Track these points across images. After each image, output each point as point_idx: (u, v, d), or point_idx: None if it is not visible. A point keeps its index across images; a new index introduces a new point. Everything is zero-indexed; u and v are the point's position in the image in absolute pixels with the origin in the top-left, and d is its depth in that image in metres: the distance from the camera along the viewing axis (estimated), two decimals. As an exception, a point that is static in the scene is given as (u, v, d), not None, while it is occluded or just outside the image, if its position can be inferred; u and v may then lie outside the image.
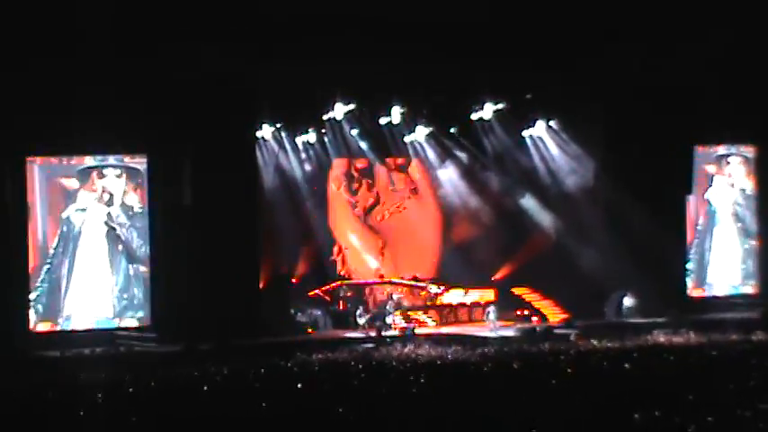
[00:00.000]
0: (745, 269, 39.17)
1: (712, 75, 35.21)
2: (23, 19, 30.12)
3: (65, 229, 31.97)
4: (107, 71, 30.58)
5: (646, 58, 34.55)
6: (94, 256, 32.33)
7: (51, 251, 31.77)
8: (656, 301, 34.81)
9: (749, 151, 39.22)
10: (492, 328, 34.22)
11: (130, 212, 32.60)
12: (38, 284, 31.62)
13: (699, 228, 38.63)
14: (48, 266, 31.75)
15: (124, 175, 32.53)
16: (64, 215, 31.97)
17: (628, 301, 35.89)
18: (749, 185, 39.23)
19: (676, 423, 15.49)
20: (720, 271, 38.91)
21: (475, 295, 37.42)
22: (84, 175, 32.30)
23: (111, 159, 32.45)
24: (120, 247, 32.45)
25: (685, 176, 37.35)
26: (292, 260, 37.66)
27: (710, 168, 38.80)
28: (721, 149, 39.03)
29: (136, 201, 32.61)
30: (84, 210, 32.20)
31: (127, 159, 32.62)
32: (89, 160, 32.30)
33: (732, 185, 39.13)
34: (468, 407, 17.91)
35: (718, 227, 39.00)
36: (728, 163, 39.12)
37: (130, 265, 32.53)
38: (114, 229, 32.44)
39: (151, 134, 31.93)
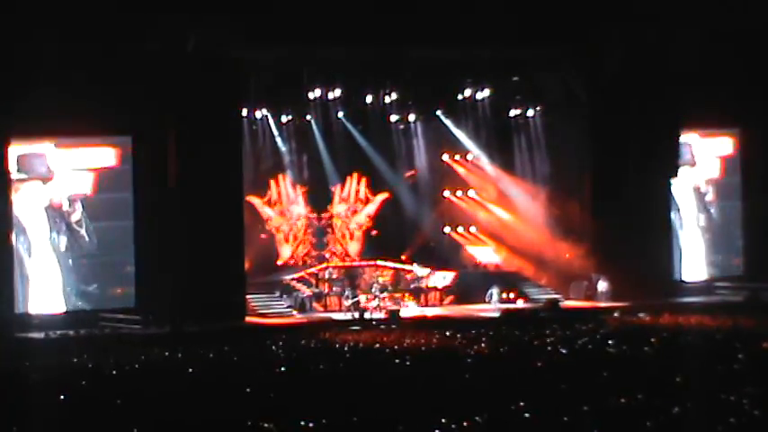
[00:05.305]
0: (729, 254, 39.19)
1: (698, 59, 35.17)
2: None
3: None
4: (91, 51, 30.46)
5: (632, 41, 34.51)
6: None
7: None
8: (637, 285, 34.75)
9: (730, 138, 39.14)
10: (494, 308, 34.32)
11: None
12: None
13: (684, 213, 38.63)
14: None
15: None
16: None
17: (602, 286, 35.89)
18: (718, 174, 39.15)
19: (660, 406, 15.51)
20: (705, 255, 38.94)
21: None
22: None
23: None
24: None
25: (671, 160, 37.26)
26: (278, 242, 37.78)
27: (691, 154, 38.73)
28: (704, 139, 38.94)
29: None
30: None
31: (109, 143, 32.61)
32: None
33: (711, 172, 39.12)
34: (451, 389, 17.96)
35: (702, 212, 39.01)
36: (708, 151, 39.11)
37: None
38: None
39: (136, 115, 31.75)
